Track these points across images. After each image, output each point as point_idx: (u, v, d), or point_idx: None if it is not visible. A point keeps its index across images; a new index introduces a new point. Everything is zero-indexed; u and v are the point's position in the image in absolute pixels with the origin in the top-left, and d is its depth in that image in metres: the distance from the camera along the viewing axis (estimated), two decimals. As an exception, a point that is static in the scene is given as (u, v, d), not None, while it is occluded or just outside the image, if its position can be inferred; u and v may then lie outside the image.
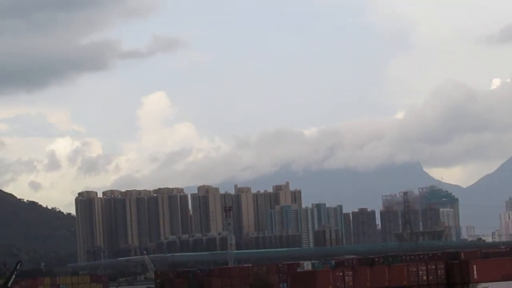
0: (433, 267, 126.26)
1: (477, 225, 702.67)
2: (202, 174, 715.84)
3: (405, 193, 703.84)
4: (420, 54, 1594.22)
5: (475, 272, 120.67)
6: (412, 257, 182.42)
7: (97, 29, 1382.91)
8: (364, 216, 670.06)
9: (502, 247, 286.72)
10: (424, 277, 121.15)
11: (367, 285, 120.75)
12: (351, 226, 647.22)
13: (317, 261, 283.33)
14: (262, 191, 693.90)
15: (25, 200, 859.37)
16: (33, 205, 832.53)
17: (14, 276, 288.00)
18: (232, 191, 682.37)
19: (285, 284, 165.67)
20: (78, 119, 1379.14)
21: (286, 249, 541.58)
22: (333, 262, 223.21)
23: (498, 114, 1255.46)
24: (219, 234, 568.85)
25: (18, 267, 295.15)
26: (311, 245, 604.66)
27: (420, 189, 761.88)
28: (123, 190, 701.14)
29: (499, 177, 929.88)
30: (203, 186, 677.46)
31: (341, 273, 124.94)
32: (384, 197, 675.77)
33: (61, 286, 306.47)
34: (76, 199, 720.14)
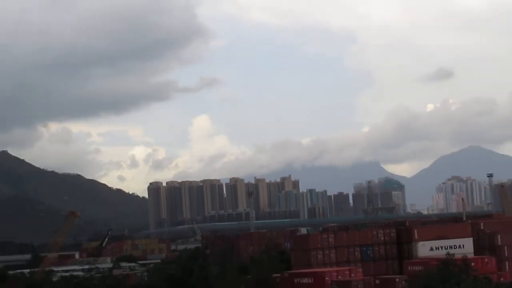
0: (388, 231, 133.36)
1: (417, 203, 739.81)
2: (232, 170, 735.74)
3: (369, 182, 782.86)
4: (380, 87, 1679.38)
5: (416, 234, 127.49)
6: (373, 224, 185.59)
7: (162, 73, 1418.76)
8: (341, 197, 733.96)
9: (434, 218, 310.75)
10: (382, 238, 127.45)
11: (344, 244, 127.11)
12: (333, 204, 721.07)
13: (310, 228, 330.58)
14: (273, 181, 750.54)
15: (114, 188, 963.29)
16: (119, 191, 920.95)
17: (106, 239, 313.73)
18: (252, 181, 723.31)
19: (288, 244, 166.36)
20: (149, 133, 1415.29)
21: (289, 219, 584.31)
22: (320, 228, 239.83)
23: (431, 128, 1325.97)
24: (244, 210, 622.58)
25: (109, 233, 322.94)
26: (306, 217, 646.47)
27: (379, 179, 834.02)
28: (180, 181, 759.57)
29: (432, 171, 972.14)
30: (233, 178, 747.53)
31: (326, 236, 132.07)
32: (355, 184, 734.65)
33: (138, 245, 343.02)
34: (148, 188, 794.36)
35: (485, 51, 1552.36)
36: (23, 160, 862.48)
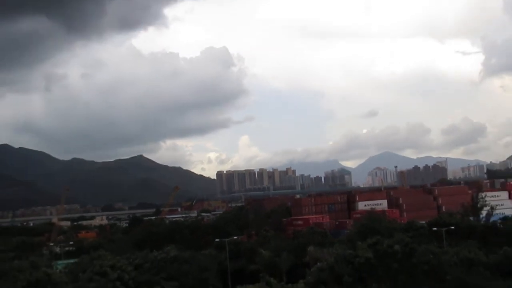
0: (342, 196, 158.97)
1: (358, 182, 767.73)
2: (260, 165, 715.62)
3: (332, 170, 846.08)
4: (338, 120, 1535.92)
5: (357, 197, 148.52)
6: (335, 192, 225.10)
7: (224, 113, 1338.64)
8: (318, 178, 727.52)
9: (366, 190, 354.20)
10: (339, 199, 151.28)
11: (319, 203, 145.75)
12: (314, 182, 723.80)
13: (301, 195, 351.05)
14: (281, 170, 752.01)
15: (198, 174, 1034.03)
16: (201, 176, 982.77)
17: (194, 201, 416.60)
18: (271, 170, 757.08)
19: (290, 203, 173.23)
20: (217, 145, 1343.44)
21: (290, 190, 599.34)
22: (307, 194, 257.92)
23: (366, 142, 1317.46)
24: (267, 185, 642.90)
25: (196, 198, 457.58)
26: (299, 189, 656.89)
27: (337, 169, 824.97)
28: (233, 170, 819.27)
29: (366, 164, 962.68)
30: (261, 168, 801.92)
31: (310, 199, 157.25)
32: (325, 173, 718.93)
33: (211, 204, 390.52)
34: (217, 174, 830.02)
35: (397, 102, 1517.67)
36: (151, 160, 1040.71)
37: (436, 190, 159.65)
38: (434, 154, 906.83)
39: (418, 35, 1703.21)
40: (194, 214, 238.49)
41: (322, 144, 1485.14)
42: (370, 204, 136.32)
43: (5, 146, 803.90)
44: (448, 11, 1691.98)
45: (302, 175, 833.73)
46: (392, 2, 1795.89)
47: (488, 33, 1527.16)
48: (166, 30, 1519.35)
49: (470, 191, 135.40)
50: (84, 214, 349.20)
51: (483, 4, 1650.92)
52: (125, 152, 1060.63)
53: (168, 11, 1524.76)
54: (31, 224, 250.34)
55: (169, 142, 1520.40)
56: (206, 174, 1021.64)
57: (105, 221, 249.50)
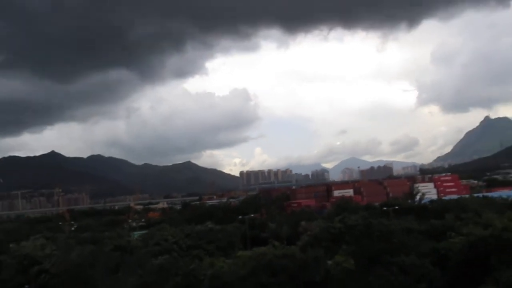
0: (323, 187, 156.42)
1: (334, 178, 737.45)
2: (270, 167, 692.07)
3: (317, 170, 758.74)
4: (320, 137, 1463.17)
5: (333, 188, 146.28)
6: (319, 185, 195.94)
7: (245, 132, 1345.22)
8: (306, 175, 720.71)
9: (339, 183, 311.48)
10: (321, 190, 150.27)
11: (308, 191, 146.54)
12: (305, 179, 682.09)
13: (295, 186, 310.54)
14: (283, 170, 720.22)
15: (227, 173, 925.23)
16: (229, 174, 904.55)
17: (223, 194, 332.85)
18: (275, 170, 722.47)
19: (288, 193, 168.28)
20: (240, 154, 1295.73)
21: (289, 184, 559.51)
22: (300, 186, 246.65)
23: (339, 150, 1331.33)
24: (273, 181, 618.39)
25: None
26: (294, 183, 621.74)
27: (320, 169, 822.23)
28: (251, 170, 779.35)
29: (338, 166, 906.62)
30: (270, 169, 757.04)
31: (302, 189, 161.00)
32: (312, 172, 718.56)
33: (236, 193, 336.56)
34: (240, 172, 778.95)
35: (360, 124, 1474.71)
36: (196, 164, 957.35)
37: (385, 182, 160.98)
38: (384, 158, 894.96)
39: (374, 79, 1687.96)
40: (224, 200, 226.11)
41: (310, 152, 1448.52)
42: (342, 192, 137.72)
43: (99, 156, 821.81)
44: (394, 62, 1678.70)
45: (296, 173, 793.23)
46: (357, 58, 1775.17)
47: (420, 77, 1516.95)
48: (206, 77, 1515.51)
49: (408, 183, 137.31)
50: (152, 201, 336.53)
51: (417, 57, 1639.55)
52: (179, 159, 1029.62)
53: (208, 64, 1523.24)
54: (116, 208, 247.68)
55: (208, 152, 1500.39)
56: (232, 173, 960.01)
57: (165, 205, 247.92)
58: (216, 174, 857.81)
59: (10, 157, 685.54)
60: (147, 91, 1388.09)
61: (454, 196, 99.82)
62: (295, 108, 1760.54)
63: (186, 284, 42.28)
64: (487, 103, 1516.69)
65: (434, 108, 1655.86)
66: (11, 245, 65.24)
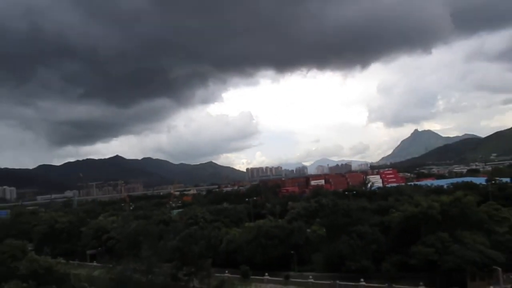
0: (303, 179, 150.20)
1: (312, 173, 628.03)
2: (267, 165, 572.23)
3: (299, 167, 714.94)
4: (302, 144, 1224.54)
5: (310, 179, 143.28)
6: (303, 178, 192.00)
7: (249, 142, 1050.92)
8: (291, 171, 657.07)
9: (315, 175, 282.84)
10: (302, 180, 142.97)
11: (293, 182, 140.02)
12: (291, 173, 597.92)
13: (285, 178, 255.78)
14: (276, 167, 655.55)
15: (238, 169, 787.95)
16: (239, 171, 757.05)
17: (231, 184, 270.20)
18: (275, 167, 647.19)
19: (280, 182, 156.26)
20: (247, 157, 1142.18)
21: (280, 177, 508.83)
22: (287, 178, 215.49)
23: (316, 153, 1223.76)
24: (269, 175, 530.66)
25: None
26: (284, 176, 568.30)
27: (301, 167, 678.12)
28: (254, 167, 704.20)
29: (312, 166, 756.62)
30: (267, 167, 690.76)
31: (289, 180, 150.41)
32: (296, 168, 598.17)
33: (243, 183, 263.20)
34: (246, 169, 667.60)
35: (330, 135, 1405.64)
36: (216, 163, 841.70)
37: (346, 175, 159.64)
38: (346, 159, 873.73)
39: (338, 104, 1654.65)
40: (235, 188, 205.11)
41: (294, 155, 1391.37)
42: (316, 182, 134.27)
43: (149, 158, 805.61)
44: (351, 93, 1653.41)
45: (285, 169, 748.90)
46: (326, 90, 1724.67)
47: (370, 103, 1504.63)
48: (222, 104, 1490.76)
49: (362, 176, 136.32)
50: (185, 189, 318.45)
51: (367, 89, 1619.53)
52: (204, 160, 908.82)
53: (224, 95, 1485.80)
54: (161, 194, 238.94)
55: (224, 155, 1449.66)
56: (241, 169, 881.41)
57: (195, 192, 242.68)
58: (229, 170, 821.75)
59: (87, 159, 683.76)
60: (182, 113, 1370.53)
61: (394, 185, 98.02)
62: (284, 124, 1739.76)
63: (209, 246, 42.82)
64: (416, 120, 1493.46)
65: (380, 124, 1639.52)
66: (88, 220, 66.07)
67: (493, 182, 66.01)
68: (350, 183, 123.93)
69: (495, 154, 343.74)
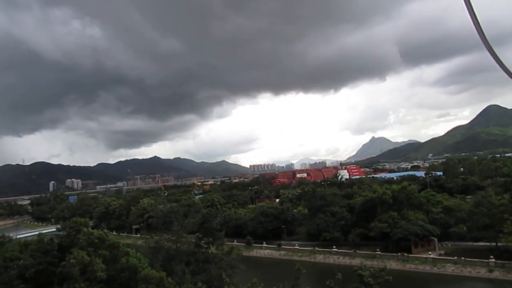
0: (290, 173, 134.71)
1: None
2: (264, 163, 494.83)
3: (287, 165, 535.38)
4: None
5: (296, 174, 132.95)
6: (290, 173, 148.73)
7: (251, 146, 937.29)
8: (283, 167, 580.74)
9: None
10: (289, 173, 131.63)
11: (283, 175, 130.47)
12: (282, 169, 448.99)
13: (278, 173, 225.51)
14: (271, 164, 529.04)
15: (242, 165, 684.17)
16: (245, 167, 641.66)
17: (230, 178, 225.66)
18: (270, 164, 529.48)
19: (274, 175, 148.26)
20: (250, 157, 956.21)
21: (273, 171, 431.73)
22: (277, 173, 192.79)
23: (298, 155, 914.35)
24: (266, 170, 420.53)
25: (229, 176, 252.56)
26: (277, 171, 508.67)
27: (289, 164, 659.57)
28: (254, 164, 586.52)
29: (296, 164, 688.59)
30: (264, 164, 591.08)
31: (281, 174, 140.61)
32: (285, 165, 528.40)
33: (248, 176, 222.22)
34: (250, 166, 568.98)
35: (310, 141, 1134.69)
36: (228, 162, 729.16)
37: (322, 170, 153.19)
38: (322, 158, 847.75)
39: (317, 118, 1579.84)
40: (241, 179, 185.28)
41: (285, 155, 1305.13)
42: (301, 175, 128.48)
43: (179, 158, 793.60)
44: (327, 110, 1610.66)
45: (278, 166, 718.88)
46: (310, 108, 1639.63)
47: (340, 117, 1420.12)
48: (233, 118, 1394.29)
49: (334, 170, 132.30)
50: (205, 180, 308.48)
51: (339, 107, 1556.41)
52: (219, 159, 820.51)
53: (234, 111, 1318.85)
54: (187, 183, 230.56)
55: (233, 155, 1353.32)
56: (246, 166, 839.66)
57: (212, 182, 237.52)
58: (237, 167, 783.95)
59: (134, 159, 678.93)
60: (203, 125, 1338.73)
61: (357, 177, 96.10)
62: (278, 132, 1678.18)
63: (222, 222, 43.72)
64: (373, 129, 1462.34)
65: (347, 132, 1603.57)
66: (134, 204, 65.11)
67: (430, 175, 65.62)
68: (325, 176, 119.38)
69: (431, 154, 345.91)
